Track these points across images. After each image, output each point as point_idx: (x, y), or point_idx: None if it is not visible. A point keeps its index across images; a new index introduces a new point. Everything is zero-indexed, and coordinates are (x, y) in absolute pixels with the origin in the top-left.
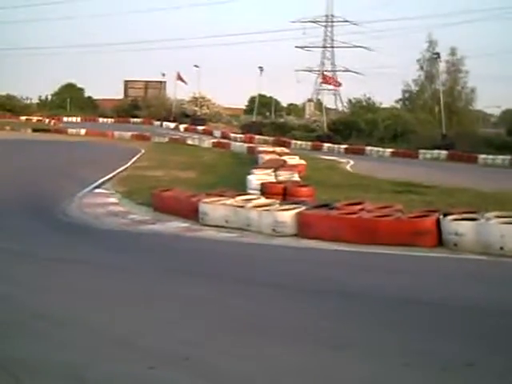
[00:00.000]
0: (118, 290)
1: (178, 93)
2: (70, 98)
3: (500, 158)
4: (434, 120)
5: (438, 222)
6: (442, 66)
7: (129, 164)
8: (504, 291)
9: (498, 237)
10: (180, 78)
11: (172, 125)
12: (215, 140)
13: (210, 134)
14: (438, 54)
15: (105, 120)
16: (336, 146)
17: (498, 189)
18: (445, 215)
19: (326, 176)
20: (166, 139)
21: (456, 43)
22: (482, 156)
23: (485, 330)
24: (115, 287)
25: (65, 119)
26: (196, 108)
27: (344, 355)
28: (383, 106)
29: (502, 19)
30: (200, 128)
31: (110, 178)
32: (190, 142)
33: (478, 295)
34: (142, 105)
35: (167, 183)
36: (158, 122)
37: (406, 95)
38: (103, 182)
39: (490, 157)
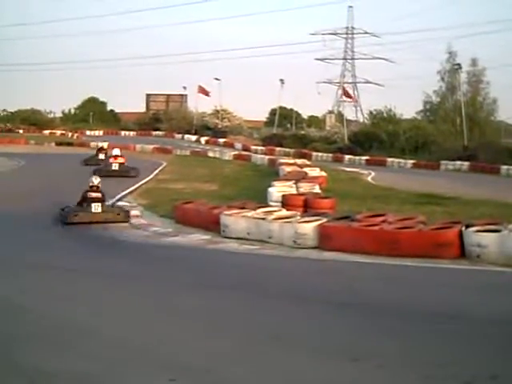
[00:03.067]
0: (141, 301)
1: (199, 106)
2: (93, 112)
3: None
4: (456, 131)
5: (460, 233)
6: (462, 76)
7: (151, 177)
8: None
9: None
10: (202, 91)
11: (193, 137)
12: (236, 152)
13: (231, 146)
14: (459, 64)
15: (127, 133)
16: (357, 157)
17: None
18: (467, 227)
19: (347, 188)
20: (188, 152)
21: (477, 54)
22: (505, 167)
23: (508, 342)
24: (139, 299)
25: (87, 133)
26: (217, 121)
27: (366, 367)
28: (404, 117)
29: None
30: (221, 140)
31: (132, 191)
32: (211, 154)
33: (503, 307)
34: (163, 118)
35: (189, 195)
36: (180, 135)
37: (427, 106)
38: (125, 195)
39: None
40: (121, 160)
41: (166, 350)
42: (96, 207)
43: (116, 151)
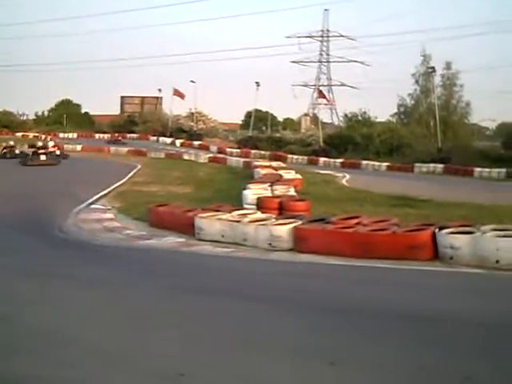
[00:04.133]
0: (115, 306)
1: (174, 108)
2: (67, 114)
3: (495, 171)
4: (430, 134)
5: (433, 235)
6: (437, 80)
7: (125, 179)
8: (501, 304)
9: (494, 250)
10: (178, 93)
11: (168, 140)
12: (211, 155)
13: (206, 149)
14: (433, 68)
15: (101, 136)
16: (332, 160)
17: (494, 202)
18: (440, 229)
19: (322, 190)
20: (163, 154)
21: (451, 57)
22: (478, 169)
23: (483, 344)
24: (113, 304)
25: (61, 135)
26: (192, 123)
27: (341, 370)
28: (379, 120)
29: (497, 33)
30: (196, 143)
31: (106, 194)
32: (186, 157)
33: (475, 308)
34: (138, 120)
35: (163, 198)
36: (155, 138)
37: (402, 109)
38: (99, 198)
39: (486, 170)
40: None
41: (140, 354)
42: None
43: (51, 143)
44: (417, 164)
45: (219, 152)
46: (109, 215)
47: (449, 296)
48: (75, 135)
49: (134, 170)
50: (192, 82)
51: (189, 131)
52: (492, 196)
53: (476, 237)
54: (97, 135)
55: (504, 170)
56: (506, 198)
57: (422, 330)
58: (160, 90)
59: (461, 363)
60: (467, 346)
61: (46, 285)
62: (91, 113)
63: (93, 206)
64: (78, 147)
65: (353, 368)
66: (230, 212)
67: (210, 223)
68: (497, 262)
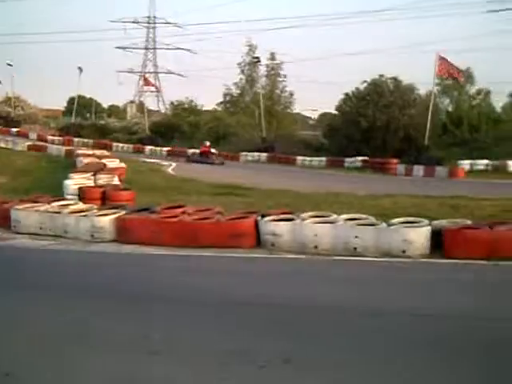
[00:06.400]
0: None
1: None
2: None
3: (317, 160)
4: (255, 123)
5: (256, 223)
6: (262, 69)
7: None
8: (319, 288)
9: (312, 236)
10: None
11: None
12: (31, 143)
13: (25, 136)
14: (258, 58)
15: None
16: (158, 148)
17: (314, 189)
18: (263, 216)
19: (147, 179)
20: None
21: (275, 48)
22: (300, 158)
23: (300, 327)
24: None
25: None
26: (10, 109)
27: (165, 359)
28: (206, 108)
29: (319, 26)
30: (14, 130)
31: None
32: (2, 144)
33: (296, 293)
34: None
35: None
36: None
37: (228, 98)
38: None
39: (308, 158)
40: None
41: None
42: None
43: None
44: (243, 153)
45: (39, 140)
46: None
47: (267, 281)
48: None
49: None
50: (9, 65)
51: (6, 117)
52: (312, 183)
53: (296, 224)
54: None
55: (324, 158)
56: (326, 184)
57: (240, 315)
58: None
59: (279, 346)
60: (285, 329)
61: None
62: None
63: None
64: None
65: (173, 357)
66: (49, 203)
67: (28, 215)
68: (315, 247)
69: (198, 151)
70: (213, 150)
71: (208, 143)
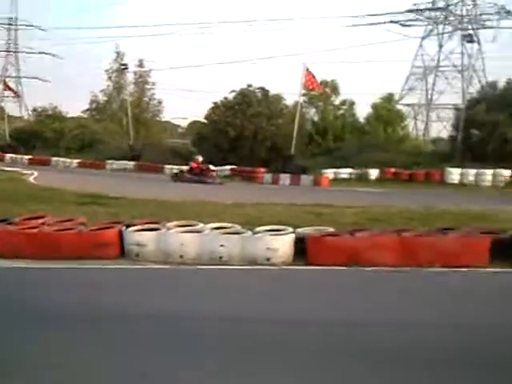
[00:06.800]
0: None
1: None
2: None
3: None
4: (123, 131)
5: (120, 233)
6: (129, 77)
7: None
8: (177, 297)
9: (178, 245)
10: None
11: None
12: None
13: None
14: (125, 65)
15: None
16: (19, 156)
17: (182, 198)
18: (127, 226)
19: (6, 188)
20: None
21: (144, 55)
22: (169, 166)
23: (159, 341)
24: None
25: None
26: None
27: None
28: (70, 115)
29: (189, 34)
30: None
31: None
32: None
33: (145, 302)
34: None
35: None
36: None
37: (94, 105)
38: None
39: (176, 167)
40: None
41: None
42: None
43: None
44: (109, 161)
45: None
46: None
47: (122, 292)
48: None
49: None
50: None
51: None
52: (180, 193)
53: (161, 233)
54: None
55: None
56: (193, 194)
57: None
58: None
59: (139, 360)
60: (143, 343)
61: None
62: None
63: None
64: None
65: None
66: None
67: None
68: (181, 256)
69: (185, 168)
70: (211, 167)
71: (201, 158)
